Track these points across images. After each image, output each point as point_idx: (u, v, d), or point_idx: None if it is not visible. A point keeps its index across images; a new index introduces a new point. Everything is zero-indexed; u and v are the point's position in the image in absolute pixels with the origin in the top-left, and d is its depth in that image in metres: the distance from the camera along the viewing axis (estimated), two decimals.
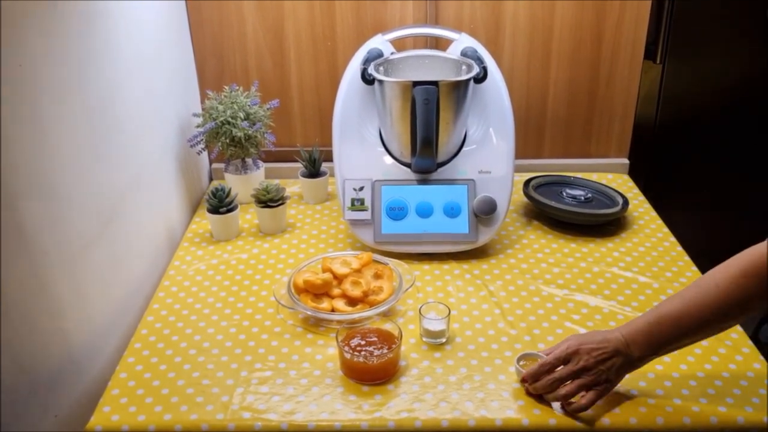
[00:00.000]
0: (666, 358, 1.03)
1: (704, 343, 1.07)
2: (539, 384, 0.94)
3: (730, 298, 0.86)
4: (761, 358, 1.04)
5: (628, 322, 0.95)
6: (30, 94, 0.87)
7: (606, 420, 0.93)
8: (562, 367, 0.93)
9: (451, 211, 1.31)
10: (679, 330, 0.89)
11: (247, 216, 1.48)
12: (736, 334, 1.09)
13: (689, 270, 1.27)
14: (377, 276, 1.20)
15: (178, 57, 1.49)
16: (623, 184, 1.62)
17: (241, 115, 1.43)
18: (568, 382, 0.93)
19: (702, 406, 0.95)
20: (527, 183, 1.51)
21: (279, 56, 1.57)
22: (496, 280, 1.25)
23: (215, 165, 1.67)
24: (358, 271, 1.20)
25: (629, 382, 0.99)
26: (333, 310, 1.13)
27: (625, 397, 0.97)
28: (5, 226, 0.82)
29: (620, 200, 1.44)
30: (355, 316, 1.11)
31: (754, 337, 1.18)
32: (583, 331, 1.10)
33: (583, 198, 1.46)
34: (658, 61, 1.62)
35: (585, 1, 1.51)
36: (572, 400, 0.93)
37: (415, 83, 1.23)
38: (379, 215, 1.31)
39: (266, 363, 1.05)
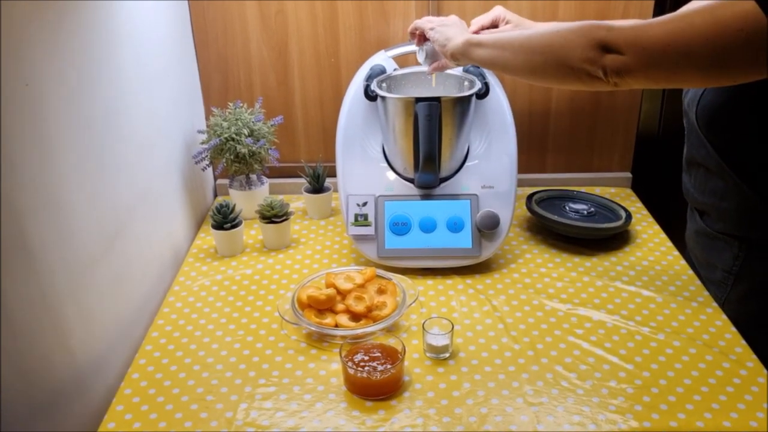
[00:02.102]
0: (670, 372, 1.04)
1: (708, 357, 1.07)
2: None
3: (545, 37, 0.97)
4: (765, 371, 1.03)
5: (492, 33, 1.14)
6: (37, 112, 0.88)
7: None
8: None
9: (454, 226, 1.31)
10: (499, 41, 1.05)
11: (252, 232, 1.49)
12: (740, 348, 1.09)
13: (693, 284, 1.27)
14: (381, 291, 1.20)
15: (183, 74, 1.50)
16: (626, 197, 1.63)
17: (246, 131, 1.44)
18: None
19: (706, 421, 0.95)
20: (530, 197, 1.51)
21: (283, 73, 1.59)
22: (500, 295, 1.25)
23: (220, 181, 1.69)
24: (362, 286, 1.21)
25: (632, 396, 0.99)
26: (336, 326, 1.13)
27: (628, 413, 0.96)
28: (12, 243, 0.83)
29: (623, 214, 1.45)
30: (359, 331, 1.11)
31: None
32: (586, 345, 1.11)
33: (586, 212, 1.46)
34: None
35: (586, 18, 1.52)
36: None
37: (418, 99, 1.24)
38: (382, 230, 1.31)
39: (270, 378, 1.05)
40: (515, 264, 1.35)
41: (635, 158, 1.69)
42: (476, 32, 1.29)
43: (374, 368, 1.00)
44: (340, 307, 1.17)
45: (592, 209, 1.47)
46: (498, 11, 1.30)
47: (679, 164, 1.29)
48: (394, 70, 1.41)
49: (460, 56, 1.12)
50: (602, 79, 0.90)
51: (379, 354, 1.03)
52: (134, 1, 1.21)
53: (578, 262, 1.35)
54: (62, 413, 0.95)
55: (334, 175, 1.40)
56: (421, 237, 1.31)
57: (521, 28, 1.28)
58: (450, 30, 1.16)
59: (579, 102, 1.61)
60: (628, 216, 1.44)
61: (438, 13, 1.52)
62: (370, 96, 1.34)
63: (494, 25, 1.31)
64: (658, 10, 1.54)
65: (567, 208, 1.48)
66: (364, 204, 1.33)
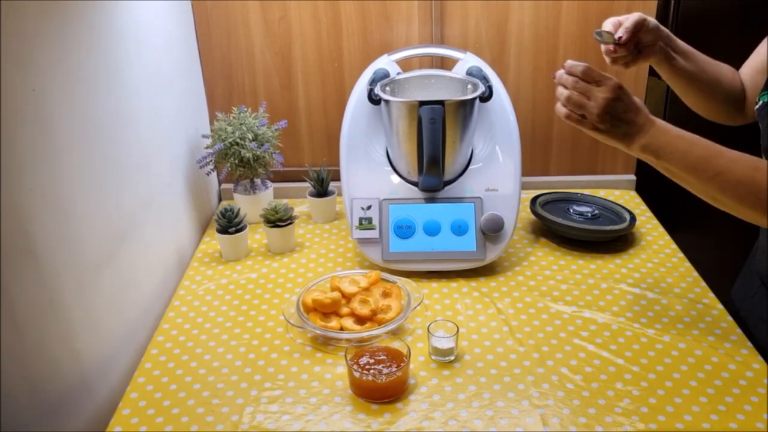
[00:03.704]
0: (676, 374, 1.03)
1: (714, 359, 1.07)
2: (564, 79, 0.94)
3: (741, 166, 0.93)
4: None
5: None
6: (43, 117, 0.88)
7: None
8: (589, 84, 0.93)
9: (459, 229, 1.31)
10: (691, 153, 0.93)
11: (256, 236, 1.49)
12: (746, 350, 1.09)
13: (698, 286, 1.27)
14: (385, 294, 1.20)
15: (188, 79, 1.51)
16: (630, 200, 1.62)
17: (250, 136, 1.45)
18: (578, 94, 0.93)
19: (713, 423, 0.94)
20: (534, 200, 1.51)
21: (286, 78, 1.60)
22: (504, 298, 1.25)
23: (224, 185, 1.69)
24: (367, 289, 1.21)
25: (638, 398, 0.99)
26: (342, 329, 1.14)
27: (634, 415, 0.96)
28: (18, 247, 0.83)
29: (627, 216, 1.45)
30: (364, 334, 1.11)
31: (727, 300, 1.20)
32: (591, 348, 1.10)
33: (590, 215, 1.46)
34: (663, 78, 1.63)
35: (588, 20, 1.52)
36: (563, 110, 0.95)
37: (422, 103, 1.24)
38: (386, 234, 1.32)
39: (276, 382, 1.05)
40: (520, 267, 1.35)
41: (639, 161, 1.68)
42: (626, 41, 1.07)
43: (379, 371, 1.00)
44: (345, 310, 1.17)
45: (597, 212, 1.47)
46: (636, 17, 1.07)
47: None
48: (398, 73, 1.42)
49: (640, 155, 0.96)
50: None
51: (384, 357, 1.03)
52: (139, 7, 1.21)
53: (583, 265, 1.35)
54: (68, 417, 0.95)
55: (338, 179, 1.40)
56: (425, 240, 1.31)
57: (674, 46, 1.12)
58: (600, 121, 0.93)
59: None
60: (633, 218, 1.44)
61: (441, 16, 1.52)
62: (373, 100, 1.34)
63: (637, 30, 1.08)
64: (662, 11, 1.54)
65: (571, 210, 1.48)
66: (369, 207, 1.33)
